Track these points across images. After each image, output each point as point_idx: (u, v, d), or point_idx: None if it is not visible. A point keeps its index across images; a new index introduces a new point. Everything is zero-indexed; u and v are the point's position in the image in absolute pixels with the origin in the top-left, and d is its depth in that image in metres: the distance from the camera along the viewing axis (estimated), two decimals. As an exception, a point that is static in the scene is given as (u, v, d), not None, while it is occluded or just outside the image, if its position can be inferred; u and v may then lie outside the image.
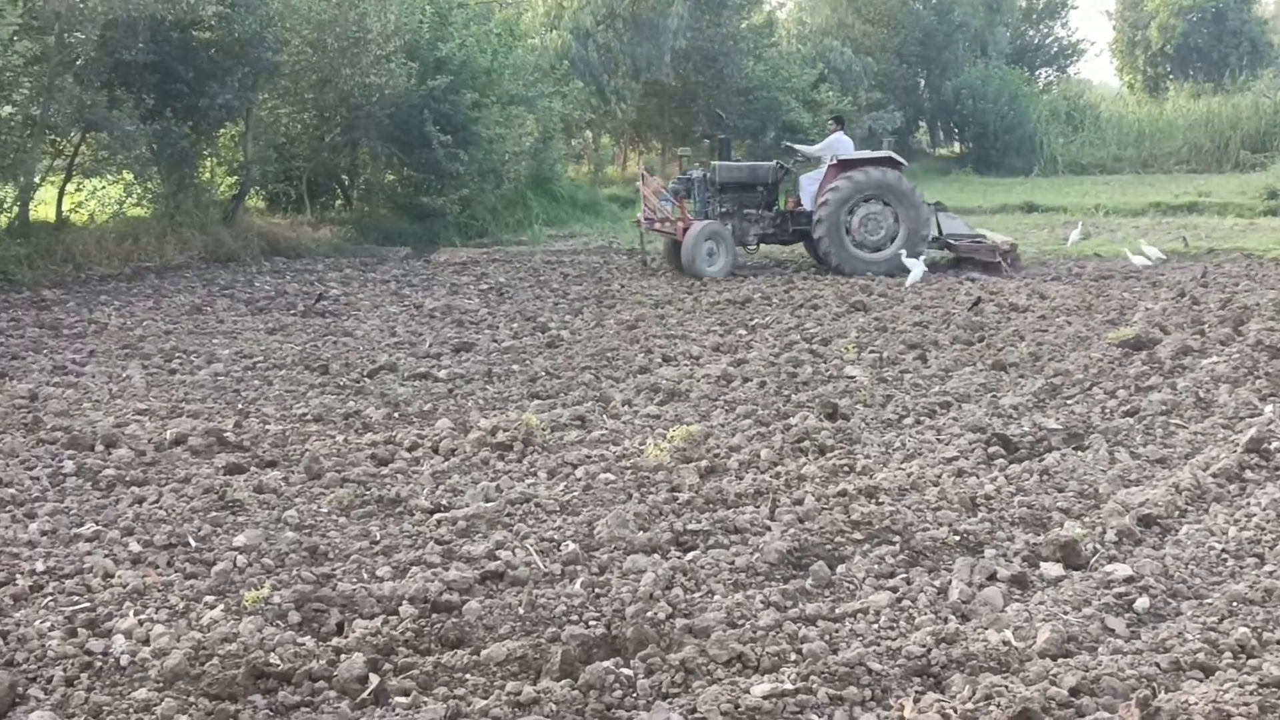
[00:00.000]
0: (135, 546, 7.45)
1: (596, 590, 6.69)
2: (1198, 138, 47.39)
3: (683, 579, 6.85)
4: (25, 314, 16.44)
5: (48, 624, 6.25)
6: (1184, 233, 23.42)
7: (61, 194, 21.47)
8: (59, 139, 20.92)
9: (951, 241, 20.86)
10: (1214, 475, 8.45)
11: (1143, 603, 6.42)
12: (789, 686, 5.43)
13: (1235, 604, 6.30)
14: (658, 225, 20.78)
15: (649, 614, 6.31)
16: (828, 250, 20.14)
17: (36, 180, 20.82)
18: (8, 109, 19.10)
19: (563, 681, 5.61)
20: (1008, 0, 54.92)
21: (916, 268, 18.83)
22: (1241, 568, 6.93)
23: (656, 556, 7.22)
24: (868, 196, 20.13)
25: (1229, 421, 9.99)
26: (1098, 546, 7.28)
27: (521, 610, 6.38)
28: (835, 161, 20.73)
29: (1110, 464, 8.96)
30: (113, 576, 6.92)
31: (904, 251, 19.48)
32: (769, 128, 39.17)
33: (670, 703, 5.43)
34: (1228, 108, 48.48)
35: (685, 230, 20.08)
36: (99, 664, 5.85)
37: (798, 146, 22.82)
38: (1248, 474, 8.58)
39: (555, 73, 32.04)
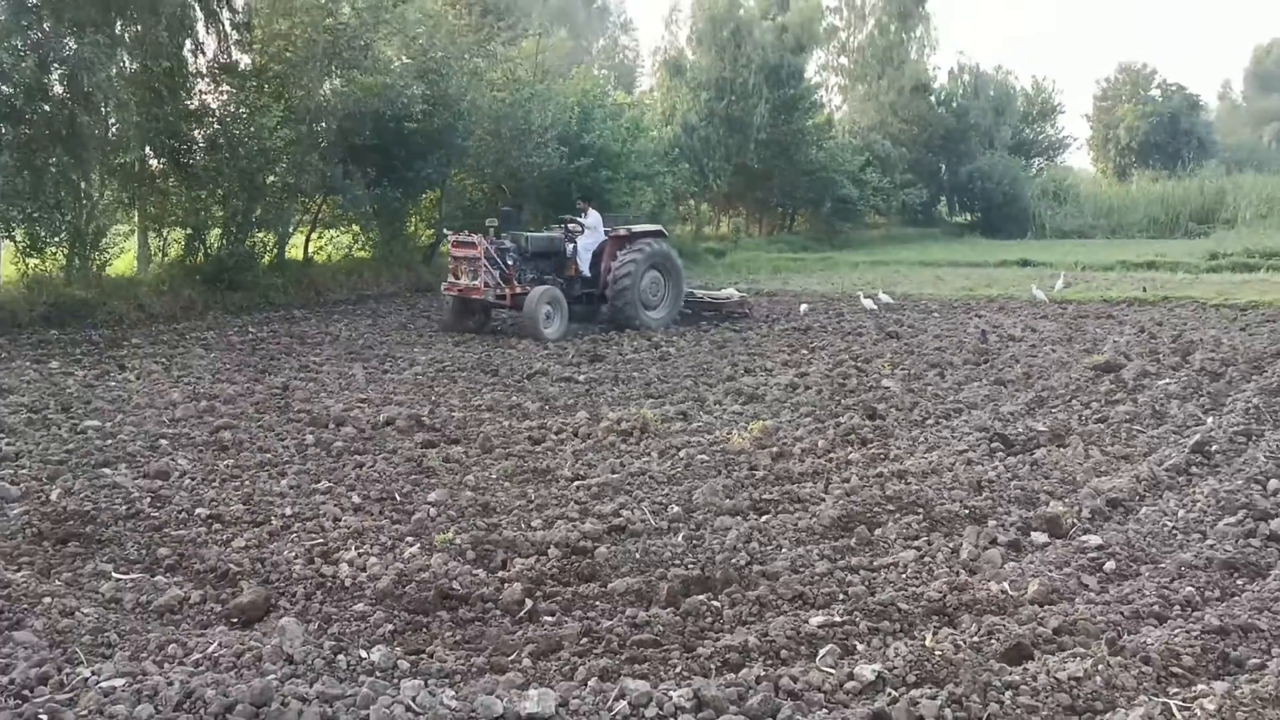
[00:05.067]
0: (356, 499, 7.58)
1: (694, 542, 6.67)
2: (1155, 212, 46.32)
3: (759, 536, 6.81)
4: (280, 327, 16.83)
5: (294, 554, 6.38)
6: (1144, 284, 22.77)
7: (308, 240, 22.05)
8: (307, 200, 21.35)
9: (709, 299, 19.02)
10: (1167, 470, 8.20)
11: (1110, 565, 6.25)
12: (838, 619, 5.37)
13: (1183, 568, 6.11)
14: (474, 292, 16.30)
15: (733, 561, 6.28)
16: (629, 313, 17.06)
17: (290, 230, 21.35)
18: (271, 178, 19.58)
19: (668, 609, 5.61)
20: (1010, 106, 53.95)
21: (875, 301, 19.06)
22: (1188, 541, 6.72)
23: (739, 518, 7.19)
24: (653, 264, 17.40)
25: (1178, 429, 9.69)
26: (1075, 521, 7.09)
27: (638, 555, 6.38)
28: (618, 233, 17.56)
29: (1085, 459, 8.71)
30: (340, 521, 7.04)
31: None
32: (827, 200, 38.97)
33: (748, 628, 5.39)
34: (1179, 189, 47.43)
35: (514, 297, 16.17)
36: (329, 584, 5.96)
37: (579, 220, 17.80)
38: (1193, 469, 8.32)
39: (668, 156, 32.02)
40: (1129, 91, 68.27)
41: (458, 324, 16.90)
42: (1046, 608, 5.56)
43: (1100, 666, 4.67)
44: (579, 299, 17.31)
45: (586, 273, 17.31)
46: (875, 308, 19.25)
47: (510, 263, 16.32)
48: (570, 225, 17.81)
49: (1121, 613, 5.47)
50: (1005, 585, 5.85)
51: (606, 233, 17.53)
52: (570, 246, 17.30)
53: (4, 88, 15.55)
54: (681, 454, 8.91)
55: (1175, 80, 76.81)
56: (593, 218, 17.61)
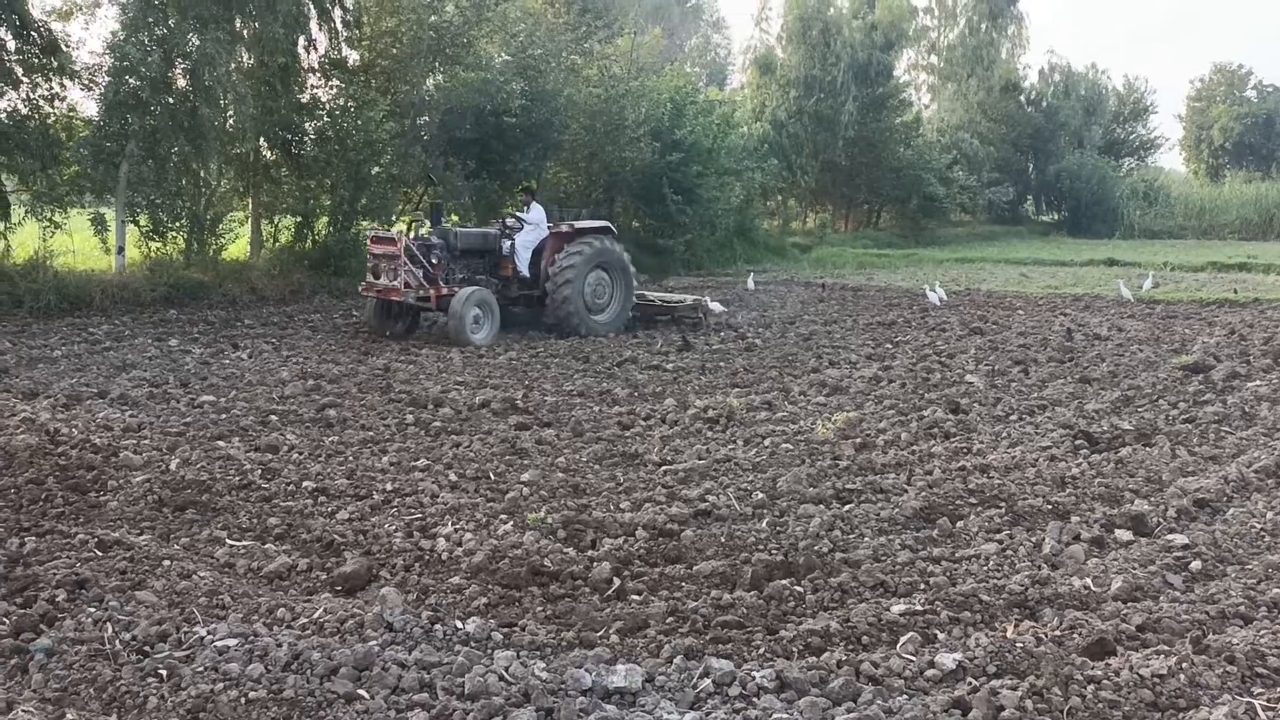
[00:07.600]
0: (453, 477, 7.69)
1: (778, 528, 6.64)
2: (1248, 213, 44.72)
3: (841, 524, 6.75)
4: (383, 312, 17.07)
5: (394, 528, 6.50)
6: (1235, 285, 22.04)
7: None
8: (409, 190, 21.71)
9: (661, 302, 17.10)
10: (1255, 471, 7.92)
11: (1196, 565, 6.07)
12: (919, 608, 5.31)
13: (1271, 570, 5.91)
14: (392, 293, 14.27)
15: (816, 548, 6.24)
16: (571, 315, 15.14)
17: (393, 219, 21.70)
18: (376, 169, 19.94)
19: (751, 592, 5.60)
20: (1101, 106, 52.47)
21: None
22: (1276, 542, 6.48)
23: (822, 506, 7.13)
24: (597, 264, 15.49)
25: (1269, 431, 9.35)
26: (1161, 520, 6.90)
27: (723, 539, 6.37)
28: (560, 229, 15.54)
29: (1172, 458, 8.45)
30: (438, 497, 7.14)
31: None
32: (913, 197, 38.44)
33: (829, 613, 5.36)
34: (1274, 190, 45.68)
35: (440, 298, 14.29)
36: (427, 557, 6.06)
37: (518, 215, 15.82)
38: (1283, 472, 8.04)
39: (758, 153, 31.85)
40: (1224, 92, 65.96)
41: (381, 327, 14.83)
42: (1130, 604, 5.43)
43: (1184, 664, 4.55)
44: (516, 300, 15.53)
45: (525, 272, 15.32)
46: (939, 302, 19.00)
47: (435, 261, 14.53)
48: (508, 220, 15.85)
49: (1207, 612, 5.31)
50: (1088, 581, 5.72)
51: (549, 228, 15.58)
52: (507, 244, 15.37)
53: (132, 80, 16.09)
54: (766, 442, 8.86)
55: (1271, 81, 73.92)
56: (535, 212, 15.58)
